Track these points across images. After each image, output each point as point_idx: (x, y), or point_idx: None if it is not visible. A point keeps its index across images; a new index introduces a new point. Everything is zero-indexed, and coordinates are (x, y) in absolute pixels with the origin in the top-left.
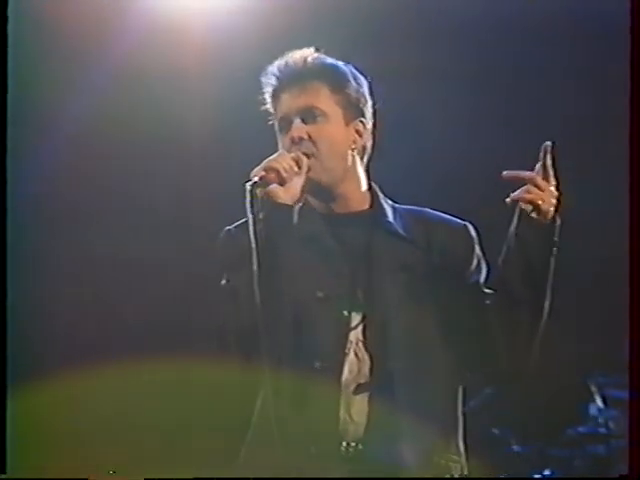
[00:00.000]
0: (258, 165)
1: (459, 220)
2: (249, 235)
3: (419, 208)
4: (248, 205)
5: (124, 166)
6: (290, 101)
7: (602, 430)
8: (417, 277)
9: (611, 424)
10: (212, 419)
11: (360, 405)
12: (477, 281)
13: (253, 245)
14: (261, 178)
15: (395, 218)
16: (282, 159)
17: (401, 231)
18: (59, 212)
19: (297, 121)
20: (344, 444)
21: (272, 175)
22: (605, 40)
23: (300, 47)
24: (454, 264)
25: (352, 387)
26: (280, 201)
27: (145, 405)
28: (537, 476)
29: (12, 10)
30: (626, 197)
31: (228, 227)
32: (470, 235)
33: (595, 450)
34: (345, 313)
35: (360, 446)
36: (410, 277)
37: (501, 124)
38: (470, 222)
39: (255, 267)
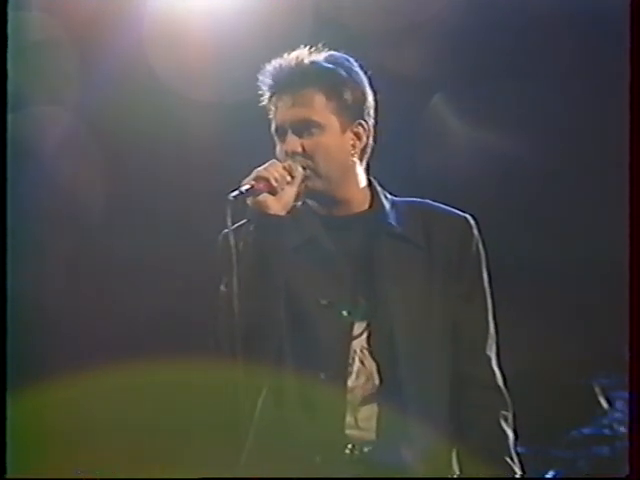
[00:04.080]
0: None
1: (459, 212)
2: (243, 241)
3: (419, 200)
4: (228, 216)
5: (124, 166)
6: (284, 111)
7: (606, 431)
8: (418, 278)
9: (615, 425)
10: (213, 421)
11: (366, 412)
12: (475, 275)
13: (233, 258)
14: (250, 188)
15: (395, 216)
16: (273, 168)
17: (401, 230)
18: (59, 213)
19: (291, 134)
20: (349, 446)
21: (262, 185)
22: (605, 40)
23: (301, 48)
24: (453, 258)
25: (359, 396)
26: (271, 212)
27: (145, 406)
28: (547, 477)
29: (12, 9)
30: (626, 197)
31: (226, 230)
32: (470, 228)
33: (599, 451)
34: (345, 313)
35: (365, 449)
36: (411, 279)
37: (501, 123)
38: (471, 215)
39: (235, 278)
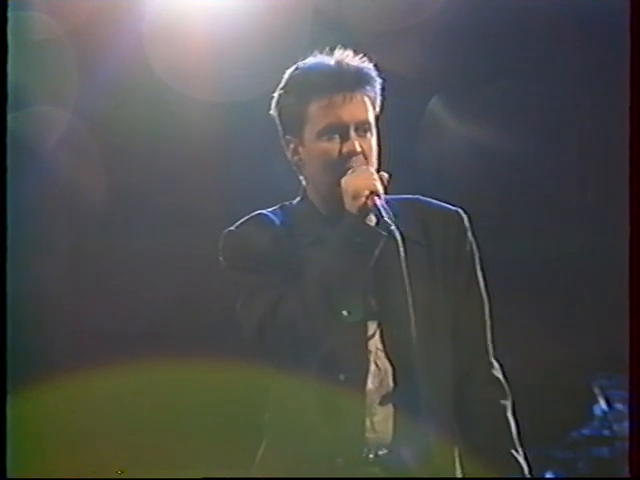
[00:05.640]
0: (259, 166)
1: (450, 206)
2: (264, 235)
3: (410, 197)
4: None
5: (124, 165)
6: (337, 110)
7: (606, 432)
8: (420, 275)
9: (615, 426)
10: (212, 421)
11: (383, 414)
12: (471, 268)
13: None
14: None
15: (392, 216)
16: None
17: (400, 229)
18: (59, 212)
19: (354, 134)
20: (365, 450)
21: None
22: (605, 40)
23: (301, 47)
24: (450, 253)
25: (375, 398)
26: None
27: (146, 406)
28: (547, 477)
29: (12, 9)
30: (626, 197)
31: (230, 229)
32: (462, 221)
33: (599, 452)
34: (345, 313)
35: (381, 453)
36: (414, 276)
37: (501, 123)
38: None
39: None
